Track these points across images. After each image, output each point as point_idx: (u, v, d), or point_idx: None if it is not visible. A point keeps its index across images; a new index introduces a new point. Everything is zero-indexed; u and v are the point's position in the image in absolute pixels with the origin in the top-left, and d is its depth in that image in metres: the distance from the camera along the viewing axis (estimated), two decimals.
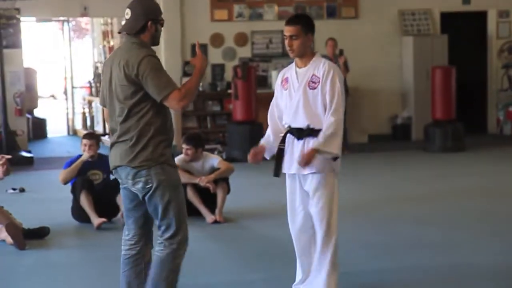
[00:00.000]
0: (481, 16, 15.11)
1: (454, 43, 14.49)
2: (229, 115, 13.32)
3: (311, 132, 5.08)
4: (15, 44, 13.33)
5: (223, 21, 13.93)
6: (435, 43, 14.41)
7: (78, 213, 7.93)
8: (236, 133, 12.48)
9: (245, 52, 14.06)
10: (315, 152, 5.01)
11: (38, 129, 16.46)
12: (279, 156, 5.19)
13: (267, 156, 5.31)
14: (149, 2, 4.53)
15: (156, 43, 4.53)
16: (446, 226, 7.61)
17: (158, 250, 4.57)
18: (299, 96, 5.11)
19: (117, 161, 4.52)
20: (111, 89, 4.52)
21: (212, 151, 11.29)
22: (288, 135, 5.18)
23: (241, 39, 14.06)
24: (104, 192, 7.88)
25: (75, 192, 7.88)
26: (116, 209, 7.85)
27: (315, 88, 5.08)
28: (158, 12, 4.52)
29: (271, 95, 5.44)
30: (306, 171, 5.08)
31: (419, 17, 14.65)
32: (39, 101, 17.51)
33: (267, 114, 5.36)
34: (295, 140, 5.14)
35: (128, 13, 4.51)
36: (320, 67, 5.11)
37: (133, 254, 4.67)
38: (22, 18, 13.46)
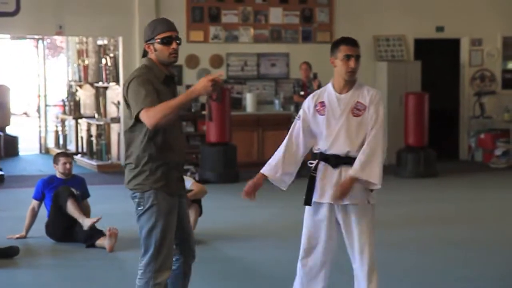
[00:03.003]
0: (454, 44, 15.28)
1: (427, 70, 14.62)
2: (203, 137, 13.31)
3: (349, 160, 4.82)
4: None
5: (198, 42, 13.97)
6: (409, 69, 14.53)
7: (53, 230, 7.88)
8: (209, 155, 12.47)
9: None
10: (353, 180, 4.74)
11: (10, 146, 16.34)
12: (311, 183, 4.90)
13: (283, 187, 5.00)
14: (146, 26, 4.62)
15: (168, 61, 4.55)
16: (416, 251, 7.64)
17: (137, 278, 4.54)
18: (341, 123, 4.83)
19: (125, 183, 4.60)
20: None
21: (185, 172, 11.27)
22: (321, 162, 4.91)
23: (216, 60, 14.09)
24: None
25: (58, 201, 7.82)
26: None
27: (359, 116, 4.84)
28: (151, 32, 4.54)
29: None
30: (345, 201, 4.81)
31: (393, 43, 14.79)
32: (12, 119, 17.39)
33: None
34: (329, 167, 4.88)
35: None
36: (365, 93, 4.88)
37: (173, 269, 4.68)
38: None
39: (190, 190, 8.10)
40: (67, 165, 8.14)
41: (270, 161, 4.98)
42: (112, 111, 14.45)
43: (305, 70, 12.82)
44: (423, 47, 14.94)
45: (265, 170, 4.94)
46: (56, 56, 25.89)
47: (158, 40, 4.51)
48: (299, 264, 5.02)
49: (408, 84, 14.26)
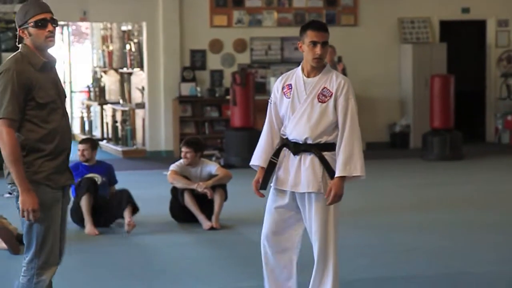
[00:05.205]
0: (480, 25, 15.12)
1: (453, 52, 14.49)
2: (227, 121, 13.31)
3: (307, 147, 4.77)
4: (14, 48, 13.29)
5: (222, 27, 13.93)
6: (434, 51, 14.41)
7: (78, 215, 7.92)
8: (234, 140, 12.47)
9: (244, 58, 14.06)
10: (341, 180, 4.69)
11: None
12: (269, 169, 4.87)
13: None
14: (18, 11, 4.27)
15: (45, 45, 4.19)
16: (443, 234, 7.60)
17: (20, 276, 4.26)
18: (304, 108, 4.76)
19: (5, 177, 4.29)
20: None
21: (210, 157, 11.28)
22: (284, 148, 4.88)
23: (240, 45, 14.05)
24: (105, 198, 8.05)
25: (78, 191, 7.88)
26: (112, 217, 7.99)
27: (324, 102, 4.75)
28: (24, 16, 4.17)
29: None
30: (302, 189, 4.78)
31: (418, 25, 14.66)
32: None
33: (265, 121, 5.09)
34: (291, 154, 4.84)
35: None
36: (333, 80, 4.78)
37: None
38: None
39: (215, 175, 8.10)
40: (84, 152, 8.17)
41: (257, 151, 4.93)
42: (136, 96, 14.48)
43: (329, 53, 12.73)
44: (449, 29, 14.80)
45: (260, 162, 4.90)
46: (82, 42, 25.97)
47: (32, 24, 4.14)
48: (262, 250, 4.97)
49: (434, 66, 14.15)
